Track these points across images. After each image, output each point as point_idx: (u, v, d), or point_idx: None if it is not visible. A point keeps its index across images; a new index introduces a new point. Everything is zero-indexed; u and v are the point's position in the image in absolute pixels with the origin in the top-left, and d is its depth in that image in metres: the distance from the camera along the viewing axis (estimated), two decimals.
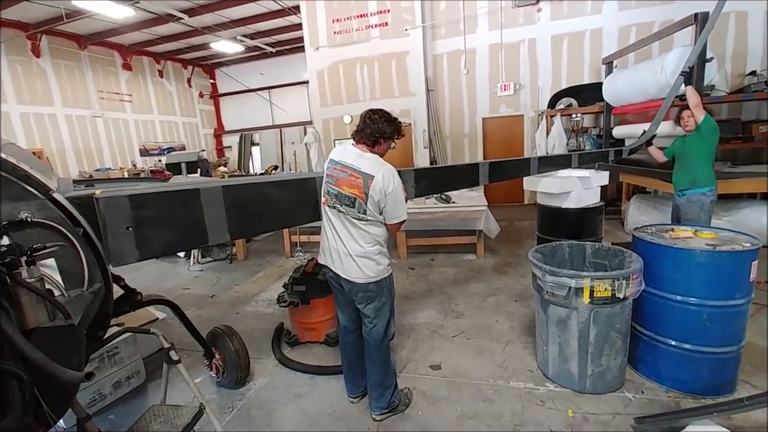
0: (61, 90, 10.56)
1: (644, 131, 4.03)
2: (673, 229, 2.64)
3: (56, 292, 1.26)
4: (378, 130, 2.07)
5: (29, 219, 1.23)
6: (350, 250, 2.09)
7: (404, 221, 2.17)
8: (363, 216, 2.05)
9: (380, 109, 2.13)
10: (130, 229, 1.57)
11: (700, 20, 4.24)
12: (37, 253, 1.10)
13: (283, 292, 3.22)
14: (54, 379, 0.92)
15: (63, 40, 10.53)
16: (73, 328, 1.09)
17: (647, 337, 2.48)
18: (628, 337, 2.42)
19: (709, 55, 4.47)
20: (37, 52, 9.96)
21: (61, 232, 1.30)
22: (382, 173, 2.00)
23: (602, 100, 6.69)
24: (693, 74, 4.10)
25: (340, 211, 2.08)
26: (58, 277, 1.29)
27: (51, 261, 1.28)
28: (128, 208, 1.56)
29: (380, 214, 2.08)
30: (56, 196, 1.36)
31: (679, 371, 2.38)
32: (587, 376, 2.39)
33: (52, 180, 1.54)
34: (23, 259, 1.07)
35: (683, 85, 3.89)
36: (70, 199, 1.43)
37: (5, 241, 1.17)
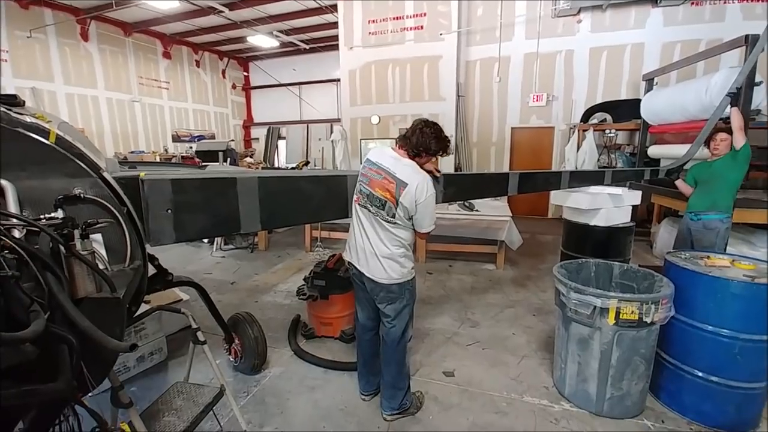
0: (104, 74, 11.06)
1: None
2: (708, 257, 2.54)
3: (101, 266, 1.32)
4: (424, 144, 2.06)
5: (82, 195, 1.30)
6: (376, 250, 2.11)
7: (432, 230, 2.19)
8: (391, 219, 2.07)
9: (434, 124, 2.11)
10: (170, 211, 1.64)
11: (751, 42, 4.06)
12: (91, 228, 1.16)
13: (303, 285, 3.28)
14: (99, 347, 0.97)
15: (110, 26, 11.02)
16: (118, 300, 1.15)
17: (672, 365, 2.40)
18: (652, 364, 2.34)
19: (758, 78, 4.28)
20: (85, 36, 10.46)
21: (109, 210, 1.37)
22: (417, 183, 2.01)
23: (638, 117, 6.49)
24: (740, 97, 3.93)
25: (370, 211, 2.11)
26: (103, 252, 1.36)
27: (98, 236, 1.35)
28: (170, 191, 1.64)
29: (408, 219, 2.10)
30: (106, 175, 1.43)
31: (703, 403, 2.30)
32: (606, 398, 2.33)
33: (101, 160, 1.62)
34: (77, 231, 1.14)
35: (728, 106, 3.73)
36: (117, 179, 1.51)
37: (60, 213, 1.24)
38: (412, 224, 2.13)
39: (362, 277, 2.21)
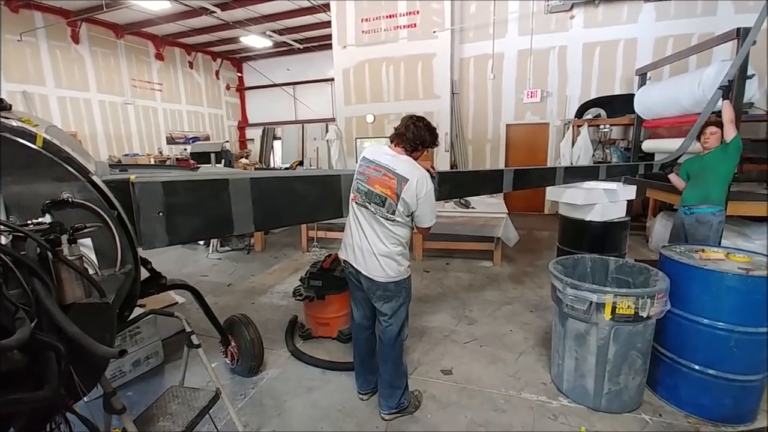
0: (96, 76, 10.96)
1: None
2: (703, 250, 2.55)
3: (91, 271, 1.30)
4: (420, 137, 2.12)
5: (70, 199, 1.29)
6: (374, 248, 2.11)
7: (433, 224, 2.21)
8: (391, 216, 2.07)
9: (423, 118, 2.20)
10: (161, 214, 1.62)
11: (742, 35, 4.08)
12: (79, 232, 1.15)
13: (300, 285, 3.27)
14: (88, 354, 0.96)
15: (101, 28, 10.92)
16: (108, 306, 1.13)
17: (669, 359, 2.40)
18: (649, 358, 2.35)
19: (750, 71, 4.30)
20: (76, 38, 10.36)
21: (98, 214, 1.35)
22: (417, 178, 2.03)
23: (632, 111, 6.51)
24: (732, 90, 3.95)
25: (369, 209, 2.11)
26: (93, 257, 1.34)
27: (87, 240, 1.33)
28: (161, 194, 1.61)
29: (408, 216, 2.11)
30: (95, 178, 1.41)
31: (700, 396, 2.30)
32: (603, 393, 2.33)
33: (91, 163, 1.60)
34: (65, 237, 1.12)
35: (721, 99, 3.75)
36: (107, 182, 1.49)
37: (47, 218, 1.22)
38: (413, 220, 2.15)
39: (359, 275, 2.20)
